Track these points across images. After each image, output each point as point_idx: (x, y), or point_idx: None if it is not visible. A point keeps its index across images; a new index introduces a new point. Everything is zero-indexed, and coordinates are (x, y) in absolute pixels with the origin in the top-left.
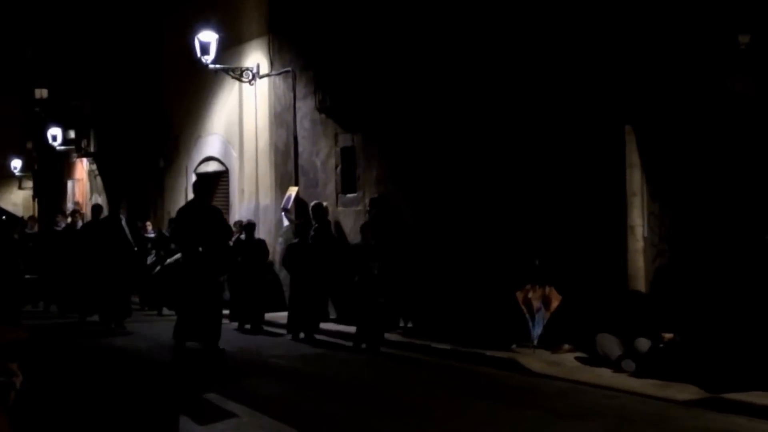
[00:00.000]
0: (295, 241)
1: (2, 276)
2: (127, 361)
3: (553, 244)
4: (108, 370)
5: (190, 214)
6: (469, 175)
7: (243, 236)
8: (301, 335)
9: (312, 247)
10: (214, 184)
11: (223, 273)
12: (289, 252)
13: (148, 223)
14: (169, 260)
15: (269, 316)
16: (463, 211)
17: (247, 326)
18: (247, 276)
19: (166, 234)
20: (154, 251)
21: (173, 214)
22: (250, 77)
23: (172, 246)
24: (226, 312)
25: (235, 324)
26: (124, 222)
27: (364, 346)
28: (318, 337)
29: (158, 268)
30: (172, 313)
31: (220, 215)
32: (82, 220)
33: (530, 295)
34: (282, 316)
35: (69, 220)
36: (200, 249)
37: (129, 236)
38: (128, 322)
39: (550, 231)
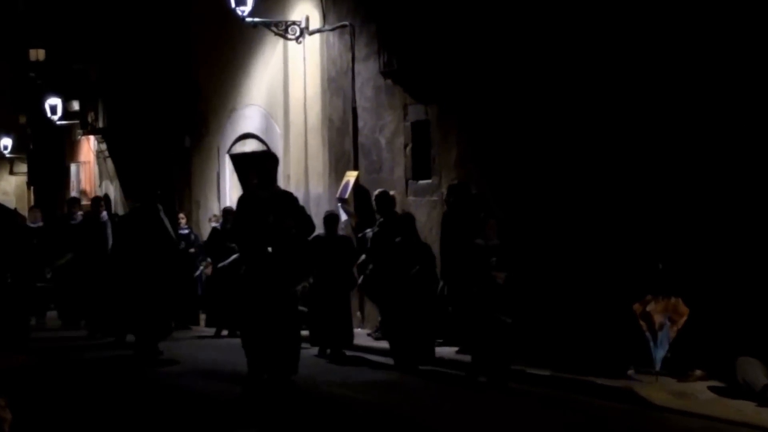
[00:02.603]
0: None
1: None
2: (151, 391)
3: (680, 244)
4: (132, 404)
5: (254, 204)
6: (573, 155)
7: (323, 232)
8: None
9: (398, 248)
10: (253, 167)
11: (301, 280)
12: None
13: (182, 215)
14: (222, 263)
15: None
16: (566, 201)
17: (329, 351)
18: (329, 285)
19: (218, 227)
20: (201, 256)
21: (204, 205)
22: (298, 34)
23: (233, 245)
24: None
25: (314, 349)
26: (162, 213)
27: (483, 379)
28: (373, 359)
29: (199, 271)
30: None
31: (295, 202)
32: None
33: (651, 307)
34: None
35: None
36: (269, 249)
37: (171, 232)
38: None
39: (676, 227)
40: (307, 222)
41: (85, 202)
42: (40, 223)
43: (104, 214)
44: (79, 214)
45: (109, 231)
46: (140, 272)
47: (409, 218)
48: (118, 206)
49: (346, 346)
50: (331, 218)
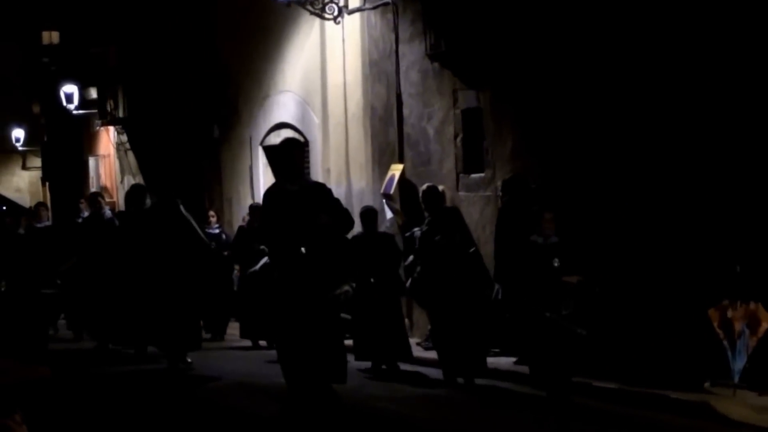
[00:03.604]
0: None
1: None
2: (185, 408)
3: (760, 244)
4: (164, 423)
5: (282, 199)
6: (642, 146)
7: (361, 230)
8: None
9: (438, 247)
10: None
11: (341, 283)
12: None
13: (212, 213)
14: (252, 268)
15: None
16: (634, 197)
17: (384, 366)
18: (375, 290)
19: (244, 227)
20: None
21: (236, 202)
22: (336, 12)
23: (262, 247)
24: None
25: (362, 362)
26: (183, 209)
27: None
28: (424, 371)
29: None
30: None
31: (328, 195)
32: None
33: (729, 314)
34: None
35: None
36: (302, 250)
37: (198, 230)
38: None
39: (755, 226)
40: (345, 216)
41: (109, 199)
42: (47, 223)
43: (107, 211)
44: (85, 213)
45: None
46: (163, 276)
47: (452, 213)
48: None
49: (403, 358)
50: (368, 214)
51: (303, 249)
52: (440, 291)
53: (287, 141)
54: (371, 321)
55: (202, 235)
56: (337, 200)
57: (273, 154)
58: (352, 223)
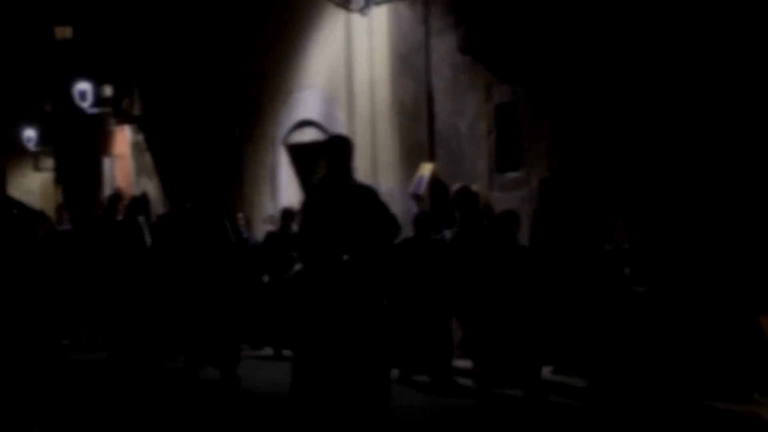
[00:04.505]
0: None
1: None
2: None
3: None
4: None
5: (326, 200)
6: (686, 144)
7: (411, 235)
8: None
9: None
10: (313, 159)
11: (387, 295)
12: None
13: (241, 215)
14: (285, 276)
15: None
16: (677, 199)
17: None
18: (421, 298)
19: (274, 232)
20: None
21: (258, 204)
22: (362, 4)
23: (295, 254)
24: None
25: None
26: (224, 216)
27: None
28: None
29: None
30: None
31: (375, 198)
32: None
33: None
34: None
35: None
36: (345, 257)
37: (232, 237)
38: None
39: None
40: (392, 222)
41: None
42: (68, 226)
43: (141, 218)
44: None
45: (147, 235)
46: (202, 287)
47: (511, 218)
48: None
49: (444, 368)
50: (425, 219)
51: (346, 256)
52: (486, 297)
53: (336, 138)
54: (413, 331)
55: (236, 245)
56: (384, 204)
57: (299, 153)
58: (399, 228)
